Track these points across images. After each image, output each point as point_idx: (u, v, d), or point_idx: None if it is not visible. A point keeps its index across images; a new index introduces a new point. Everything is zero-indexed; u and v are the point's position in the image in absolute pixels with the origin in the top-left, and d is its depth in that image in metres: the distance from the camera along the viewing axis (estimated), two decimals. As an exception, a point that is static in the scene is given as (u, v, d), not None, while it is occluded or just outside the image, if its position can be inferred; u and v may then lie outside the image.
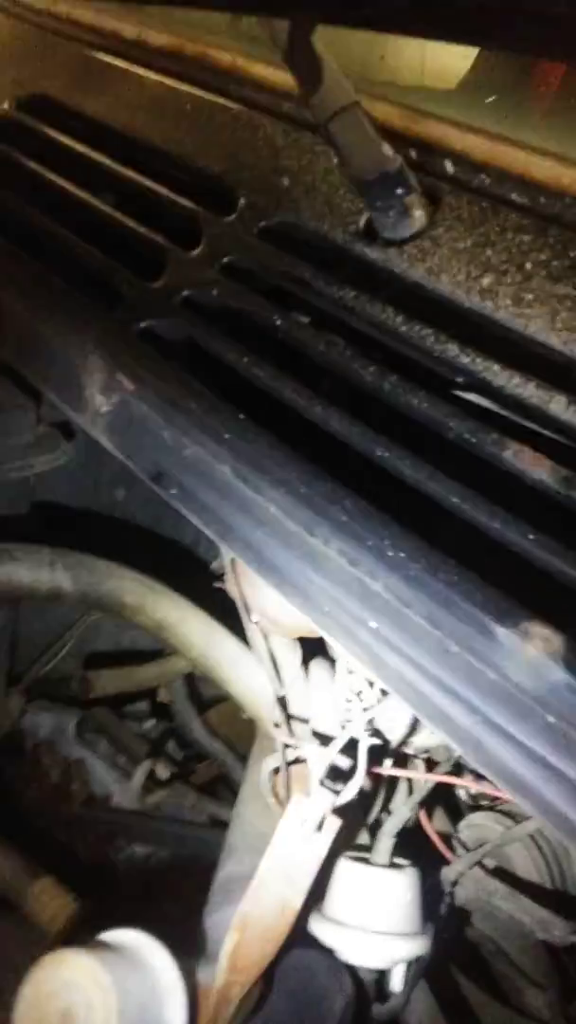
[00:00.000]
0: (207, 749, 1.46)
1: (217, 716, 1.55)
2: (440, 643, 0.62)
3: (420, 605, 0.63)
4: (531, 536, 0.63)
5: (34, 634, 1.41)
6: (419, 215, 0.81)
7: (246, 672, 1.07)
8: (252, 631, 1.05)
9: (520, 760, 0.59)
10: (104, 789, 1.43)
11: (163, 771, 1.24)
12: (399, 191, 0.78)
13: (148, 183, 0.97)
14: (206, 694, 1.55)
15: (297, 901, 0.70)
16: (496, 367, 0.73)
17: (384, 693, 0.93)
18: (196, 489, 0.76)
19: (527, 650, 0.59)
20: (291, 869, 0.70)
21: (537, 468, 0.67)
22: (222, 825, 1.23)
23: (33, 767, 1.49)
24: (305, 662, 1.11)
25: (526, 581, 0.63)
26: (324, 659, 1.14)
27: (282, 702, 0.99)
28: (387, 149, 0.74)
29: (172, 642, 1.08)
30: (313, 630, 1.07)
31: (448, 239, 0.80)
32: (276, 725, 0.94)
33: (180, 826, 1.25)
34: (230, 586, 1.08)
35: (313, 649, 1.14)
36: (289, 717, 0.97)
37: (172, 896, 1.10)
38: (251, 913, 0.70)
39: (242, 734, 1.58)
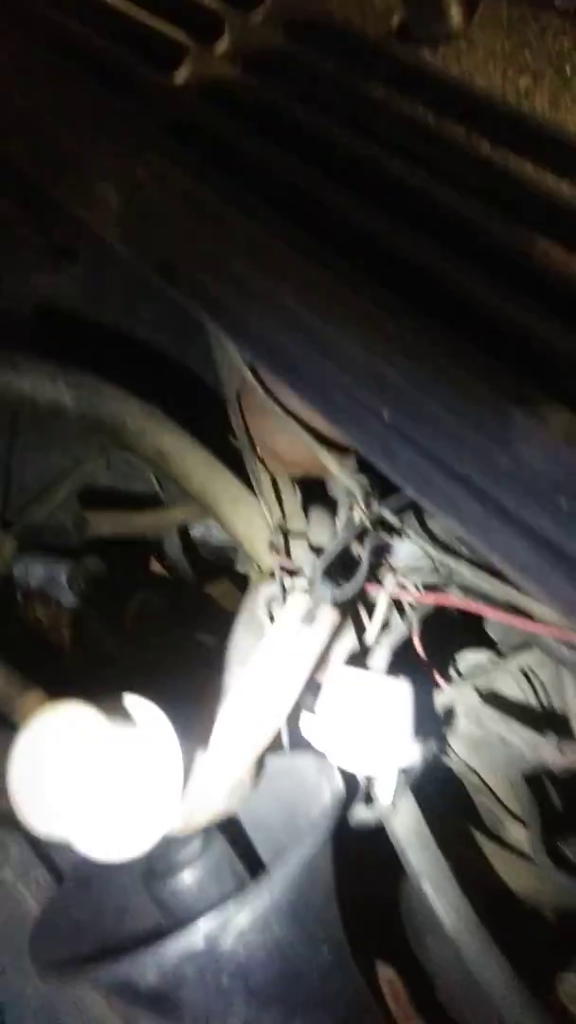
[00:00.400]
0: (201, 606, 1.47)
1: (217, 590, 1.56)
2: (457, 430, 0.62)
3: (438, 391, 0.62)
4: (556, 327, 0.62)
5: (28, 481, 1.40)
6: (456, 14, 0.77)
7: (246, 507, 1.07)
8: (255, 465, 1.04)
9: (531, 547, 0.59)
10: (95, 637, 1.45)
11: (155, 607, 1.24)
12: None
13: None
14: (202, 560, 1.56)
15: (291, 691, 0.71)
16: (529, 167, 0.70)
17: (388, 528, 0.93)
18: (209, 283, 0.75)
19: (545, 434, 0.58)
20: (290, 657, 0.71)
21: (567, 266, 0.65)
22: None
23: (25, 614, 1.50)
24: (306, 506, 1.12)
25: (547, 371, 0.62)
26: (324, 501, 1.14)
27: (281, 528, 0.99)
28: None
29: (172, 472, 1.08)
30: (316, 467, 1.08)
31: (485, 40, 0.77)
32: (274, 549, 0.94)
33: (170, 663, 1.27)
34: (234, 420, 1.07)
35: (315, 495, 1.15)
36: (287, 543, 0.98)
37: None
38: (249, 695, 0.70)
39: (235, 608, 1.60)
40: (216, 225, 0.73)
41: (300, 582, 0.89)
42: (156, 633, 1.28)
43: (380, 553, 0.83)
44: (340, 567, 0.84)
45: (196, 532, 1.56)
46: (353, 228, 0.70)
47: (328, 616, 0.70)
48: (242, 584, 1.63)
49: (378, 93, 0.77)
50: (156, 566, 1.57)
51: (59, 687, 1.27)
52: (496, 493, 0.60)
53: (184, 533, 1.52)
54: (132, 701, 0.65)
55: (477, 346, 0.63)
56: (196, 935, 0.65)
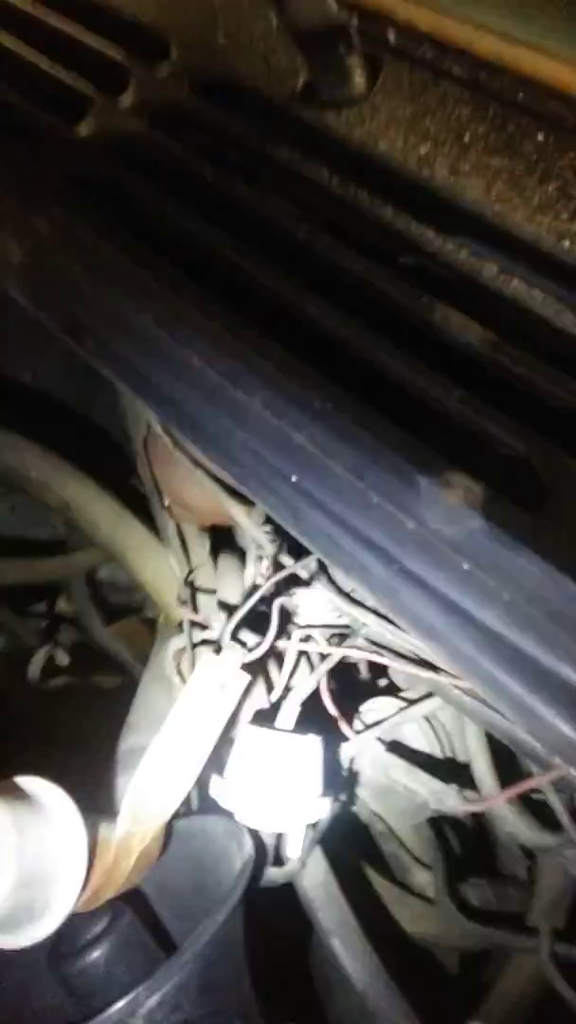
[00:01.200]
0: (108, 650, 1.45)
1: (119, 630, 1.53)
2: (362, 494, 0.62)
3: (344, 457, 0.63)
4: (457, 395, 0.63)
5: None
6: (360, 79, 0.79)
7: (153, 556, 1.06)
8: (161, 514, 1.03)
9: (434, 608, 0.60)
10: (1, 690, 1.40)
11: (62, 658, 1.21)
12: (342, 49, 0.76)
13: (72, 28, 0.91)
14: (109, 602, 1.53)
15: (201, 756, 0.70)
16: (430, 233, 0.72)
17: (295, 580, 0.93)
18: (114, 342, 0.74)
19: (448, 499, 0.59)
20: (197, 724, 0.69)
21: (465, 332, 0.67)
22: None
23: None
24: (214, 554, 1.11)
25: (450, 438, 0.63)
26: (232, 550, 1.13)
27: (189, 582, 0.98)
28: (332, 3, 0.71)
29: (79, 521, 1.06)
30: (223, 516, 1.07)
31: (388, 106, 0.78)
32: (182, 602, 0.93)
33: (79, 715, 1.23)
34: (141, 468, 1.06)
35: (222, 542, 1.14)
36: (195, 596, 0.96)
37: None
38: (154, 765, 0.69)
39: (143, 652, 1.57)
40: (120, 282, 0.72)
41: (209, 642, 0.88)
42: (64, 685, 1.25)
43: (288, 608, 0.83)
44: (248, 621, 0.84)
45: (103, 574, 1.53)
46: (258, 289, 0.70)
47: (238, 680, 0.69)
48: (151, 625, 1.61)
49: (282, 154, 0.78)
50: (64, 608, 1.54)
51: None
52: (401, 556, 0.61)
53: (91, 577, 1.49)
54: (30, 782, 0.63)
55: (383, 411, 0.64)
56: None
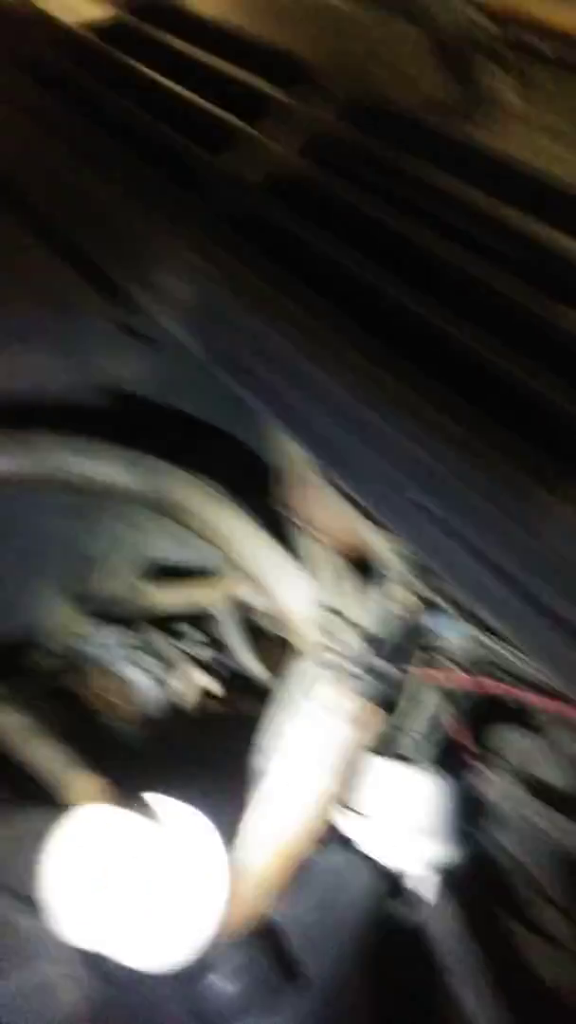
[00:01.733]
0: (254, 675, 1.46)
1: (262, 655, 1.55)
2: (499, 521, 0.60)
3: (478, 481, 0.61)
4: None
5: (90, 552, 1.42)
6: (512, 93, 0.78)
7: (293, 583, 1.06)
8: (298, 536, 1.04)
9: (563, 637, 0.57)
10: (153, 708, 1.44)
11: (214, 688, 1.23)
12: (490, 65, 0.75)
13: (216, 60, 0.94)
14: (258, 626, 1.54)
15: (333, 790, 0.69)
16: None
17: (430, 605, 0.91)
18: (274, 382, 0.75)
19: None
20: (330, 756, 0.69)
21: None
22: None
23: (84, 686, 1.50)
24: (349, 578, 1.10)
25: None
26: (368, 576, 1.12)
27: (323, 606, 0.98)
28: (479, 17, 0.71)
29: (224, 551, 1.08)
30: (360, 541, 1.07)
31: (542, 118, 0.77)
32: (316, 626, 0.93)
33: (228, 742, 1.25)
34: (280, 490, 1.07)
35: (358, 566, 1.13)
36: (330, 621, 0.96)
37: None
38: (285, 794, 0.69)
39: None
40: (284, 325, 0.74)
41: (344, 673, 0.87)
42: (212, 711, 1.27)
43: (426, 641, 0.81)
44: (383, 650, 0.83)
45: (250, 600, 1.55)
46: (410, 320, 0.70)
47: (373, 715, 0.68)
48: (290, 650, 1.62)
49: (436, 177, 0.77)
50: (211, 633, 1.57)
51: (114, 762, 1.28)
52: (530, 582, 0.58)
53: (238, 602, 1.51)
54: (176, 807, 0.64)
55: (517, 432, 0.62)
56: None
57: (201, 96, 0.90)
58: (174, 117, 0.92)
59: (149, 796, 0.67)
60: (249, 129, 0.86)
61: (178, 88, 0.92)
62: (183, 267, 0.82)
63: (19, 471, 0.95)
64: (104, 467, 1.00)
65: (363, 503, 0.72)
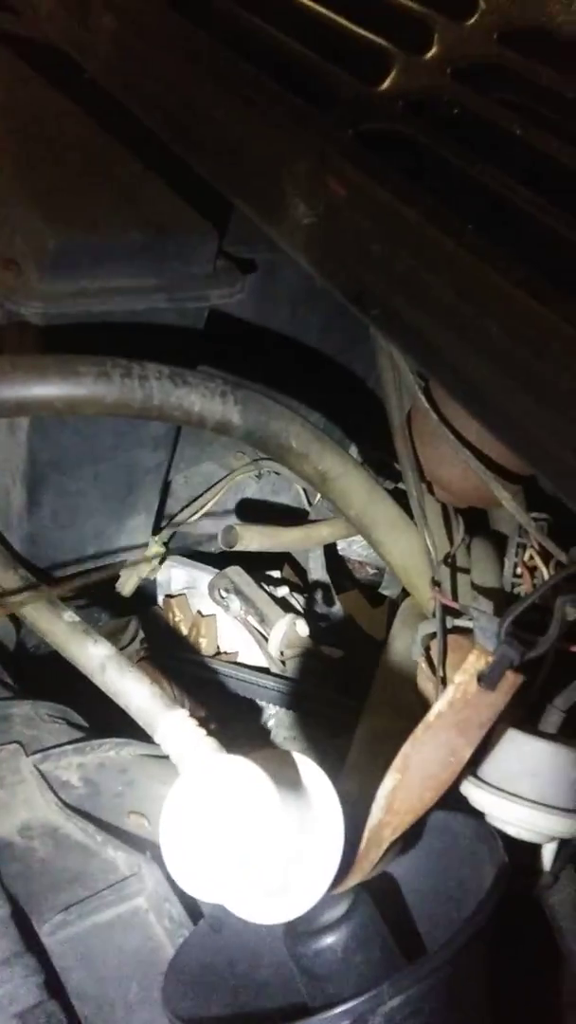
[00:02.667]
0: (340, 621, 1.44)
1: (347, 602, 1.52)
2: None
3: None
4: None
5: (178, 488, 1.39)
6: None
7: (404, 536, 1.02)
8: (418, 491, 0.99)
9: None
10: (232, 646, 1.43)
11: (303, 629, 1.21)
12: None
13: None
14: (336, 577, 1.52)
15: (466, 753, 0.66)
16: None
17: (558, 569, 0.86)
18: (404, 309, 0.70)
19: None
20: (464, 719, 0.65)
21: None
22: (352, 695, 1.20)
23: (165, 617, 1.49)
24: (469, 537, 1.06)
25: None
26: (487, 535, 1.08)
27: (446, 565, 0.94)
28: None
29: (331, 496, 1.04)
30: (485, 499, 1.02)
31: None
32: (435, 584, 0.89)
33: (310, 688, 1.23)
34: (401, 443, 1.02)
35: (476, 524, 1.09)
36: (451, 580, 0.92)
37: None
38: (415, 756, 0.66)
39: (365, 626, 1.55)
40: (416, 246, 0.68)
41: (462, 629, 0.83)
42: (298, 654, 1.25)
43: (566, 609, 0.77)
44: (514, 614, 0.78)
45: (340, 547, 1.53)
46: (570, 254, 0.64)
47: (510, 681, 0.64)
48: (378, 600, 1.59)
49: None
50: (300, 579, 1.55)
51: (197, 697, 1.27)
52: None
53: (330, 551, 1.49)
54: (291, 758, 0.61)
55: None
56: (344, 1020, 0.61)
57: (355, 22, 0.83)
58: (320, 40, 0.85)
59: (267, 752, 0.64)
60: (394, 49, 0.79)
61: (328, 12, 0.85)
62: (305, 184, 0.77)
63: (122, 400, 0.92)
64: (208, 401, 0.96)
65: (506, 446, 0.66)
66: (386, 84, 0.79)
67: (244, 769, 0.57)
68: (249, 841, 0.55)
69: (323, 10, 0.88)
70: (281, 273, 1.17)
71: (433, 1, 0.84)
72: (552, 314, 0.60)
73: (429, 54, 0.79)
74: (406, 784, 0.66)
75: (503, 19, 0.80)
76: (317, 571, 1.44)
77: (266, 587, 1.42)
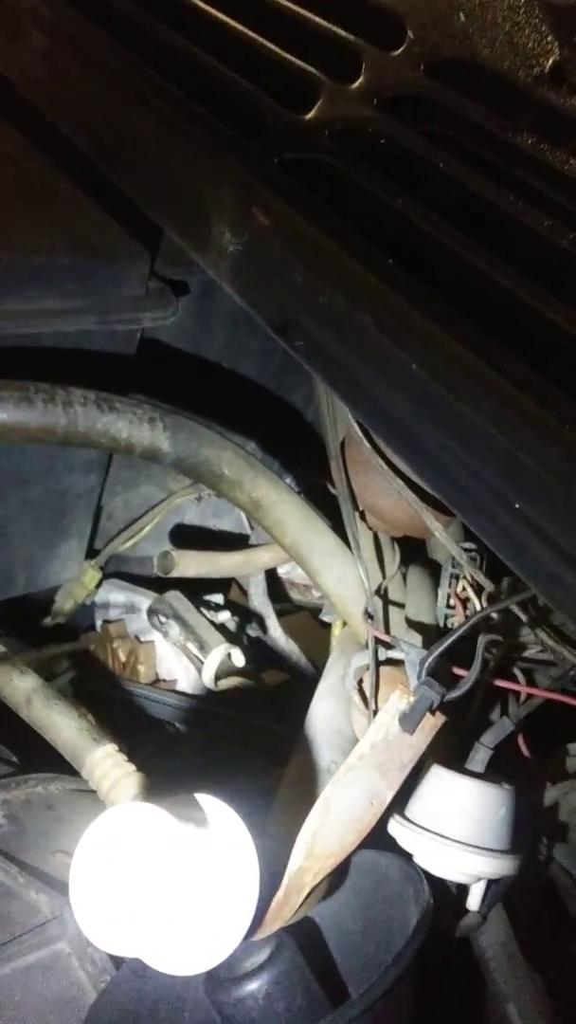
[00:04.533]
0: (281, 648, 1.42)
1: (289, 625, 1.51)
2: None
3: (562, 469, 0.55)
4: None
5: (116, 510, 1.37)
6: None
7: (340, 565, 1.01)
8: (352, 520, 0.98)
9: None
10: (170, 673, 1.40)
11: (238, 659, 1.19)
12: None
13: (304, 12, 0.87)
14: (282, 600, 1.50)
15: (387, 795, 0.64)
16: None
17: (490, 601, 0.86)
18: (327, 341, 0.69)
19: None
20: (385, 761, 0.64)
21: None
22: (288, 723, 1.19)
23: (102, 643, 1.46)
24: (403, 566, 1.05)
25: None
26: (423, 564, 1.07)
27: (378, 597, 0.93)
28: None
29: (265, 524, 1.02)
30: (418, 529, 1.01)
31: None
32: (369, 616, 0.88)
33: (246, 716, 1.21)
34: (335, 472, 1.01)
35: (412, 552, 1.08)
36: (383, 611, 0.91)
37: (235, 782, 1.06)
38: (336, 799, 0.64)
39: (311, 646, 1.54)
40: (336, 278, 0.67)
41: (394, 661, 0.82)
42: (234, 685, 1.23)
43: (492, 642, 0.76)
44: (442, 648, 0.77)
45: (281, 571, 1.51)
46: (491, 291, 0.63)
47: (431, 723, 0.63)
48: (323, 624, 1.58)
49: (525, 142, 0.71)
50: (238, 600, 1.53)
51: (131, 728, 1.24)
52: None
53: (269, 573, 1.47)
54: (204, 801, 0.59)
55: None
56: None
57: (282, 48, 0.82)
58: (246, 65, 0.84)
59: (179, 792, 0.62)
60: (322, 76, 0.79)
61: (256, 37, 0.84)
62: (230, 212, 0.75)
63: (45, 426, 0.89)
64: (135, 428, 0.95)
65: (426, 485, 0.66)
66: (313, 113, 0.78)
67: (155, 819, 0.55)
68: (157, 894, 0.53)
69: (253, 35, 0.87)
70: (217, 295, 1.15)
71: (362, 30, 0.83)
72: (470, 352, 0.59)
73: (356, 83, 0.79)
74: (327, 828, 0.64)
75: (431, 50, 0.80)
76: (257, 596, 1.42)
77: (207, 612, 1.40)
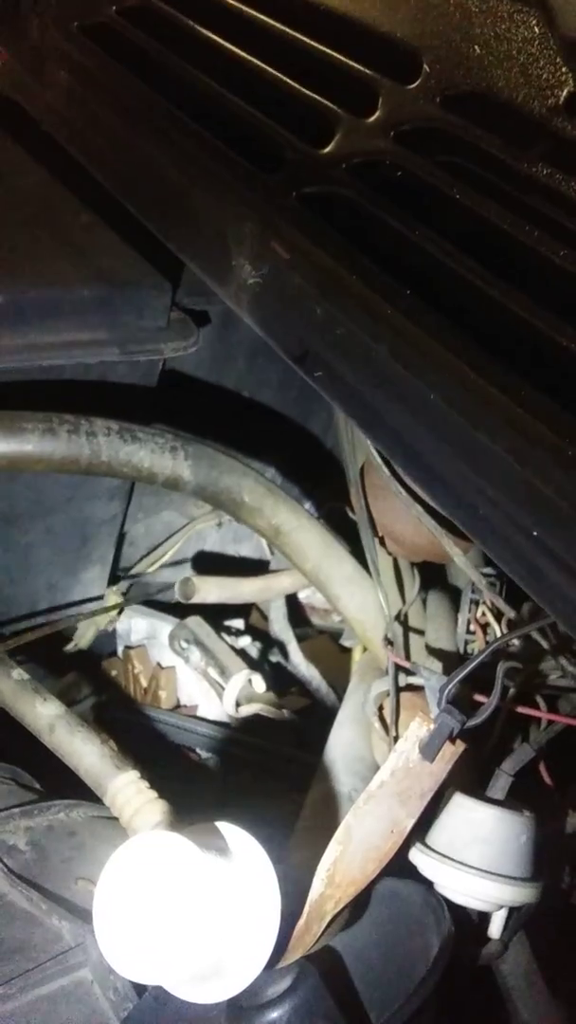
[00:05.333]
0: (302, 674, 1.42)
1: (309, 650, 1.51)
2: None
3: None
4: None
5: (137, 537, 1.38)
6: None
7: (360, 591, 1.02)
8: (372, 546, 0.99)
9: None
10: (191, 699, 1.41)
11: (259, 685, 1.19)
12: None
13: (321, 47, 0.88)
14: (302, 625, 1.51)
15: (407, 823, 0.64)
16: None
17: (510, 627, 0.86)
18: (345, 372, 0.70)
19: None
20: (405, 789, 0.64)
21: None
22: (309, 749, 1.19)
23: (124, 669, 1.47)
24: (424, 592, 1.05)
25: None
26: (443, 589, 1.07)
27: (398, 623, 0.93)
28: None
29: (286, 551, 1.03)
30: (438, 554, 1.01)
31: None
32: (389, 643, 0.88)
33: (266, 743, 1.21)
34: (355, 498, 1.02)
35: (432, 577, 1.08)
36: (403, 637, 0.91)
37: (255, 809, 1.06)
38: (357, 827, 0.64)
39: (331, 670, 1.54)
40: (355, 310, 0.68)
41: (414, 687, 0.82)
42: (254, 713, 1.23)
43: (512, 669, 0.76)
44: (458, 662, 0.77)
45: (302, 596, 1.52)
46: (509, 322, 0.64)
47: (450, 751, 0.63)
48: (344, 649, 1.58)
49: (541, 173, 0.72)
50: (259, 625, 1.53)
51: (153, 755, 1.24)
52: None
53: (290, 599, 1.47)
54: (227, 829, 0.60)
55: None
56: None
57: (300, 83, 0.84)
58: (265, 100, 0.85)
59: (200, 819, 0.63)
60: (339, 111, 0.80)
61: (273, 72, 0.86)
62: (250, 245, 0.77)
63: (69, 457, 0.91)
64: (157, 457, 0.96)
65: (444, 512, 0.66)
66: (330, 147, 0.79)
67: (177, 847, 0.55)
68: (180, 922, 0.53)
69: (271, 71, 0.89)
70: (238, 325, 1.17)
71: (378, 64, 0.85)
72: (487, 381, 0.60)
73: (373, 117, 0.80)
74: (348, 856, 0.64)
75: (447, 83, 0.81)
76: (278, 622, 1.42)
77: (228, 638, 1.41)
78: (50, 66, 1.05)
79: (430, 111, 0.79)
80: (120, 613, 1.42)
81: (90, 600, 1.27)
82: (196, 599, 1.25)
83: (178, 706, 1.40)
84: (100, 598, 1.30)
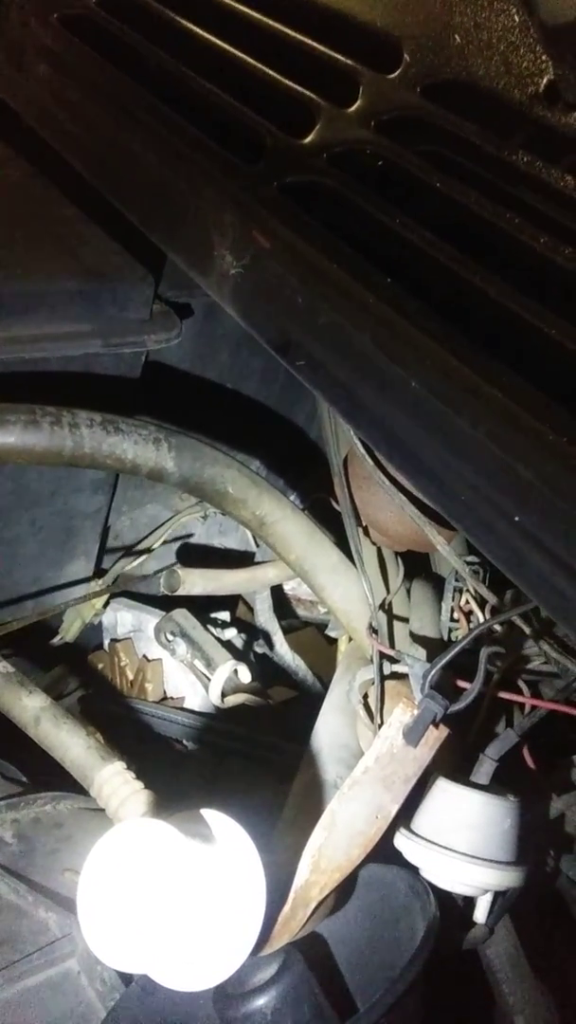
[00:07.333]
0: (287, 665, 1.42)
1: (295, 641, 1.51)
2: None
3: (566, 485, 0.56)
4: None
5: (122, 530, 1.38)
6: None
7: (344, 580, 1.02)
8: (356, 536, 0.99)
9: None
10: (178, 690, 1.41)
11: (245, 675, 1.19)
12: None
13: (301, 37, 0.88)
14: (288, 616, 1.51)
15: (392, 808, 0.65)
16: None
17: (493, 614, 0.87)
18: (327, 361, 0.70)
19: None
20: (390, 775, 0.64)
21: None
22: (295, 739, 1.19)
23: (110, 662, 1.47)
24: (407, 581, 1.06)
25: None
26: (427, 578, 1.08)
27: (383, 611, 0.93)
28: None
29: (270, 541, 1.03)
30: (421, 543, 1.02)
31: None
32: (373, 631, 0.89)
33: (253, 733, 1.21)
34: (339, 487, 1.02)
35: (416, 566, 1.09)
36: (387, 626, 0.92)
37: (242, 798, 1.07)
38: (341, 813, 0.65)
39: (317, 661, 1.54)
40: (336, 299, 0.68)
41: (399, 675, 0.83)
42: (240, 703, 1.23)
43: (493, 655, 0.76)
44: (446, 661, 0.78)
45: (287, 587, 1.52)
46: (490, 309, 0.64)
47: (434, 736, 0.64)
48: (330, 640, 1.58)
49: (520, 160, 0.72)
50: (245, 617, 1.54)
51: (139, 746, 1.24)
52: None
53: (275, 590, 1.48)
54: (212, 817, 0.60)
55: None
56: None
57: (281, 73, 0.84)
58: (246, 90, 0.85)
59: (186, 808, 0.63)
60: (319, 100, 0.80)
61: (254, 63, 0.86)
62: (231, 236, 0.77)
63: (52, 449, 0.91)
64: (141, 448, 0.96)
65: (427, 499, 0.67)
66: (311, 137, 0.79)
67: (161, 835, 0.55)
68: (165, 910, 0.53)
69: (251, 60, 0.89)
70: (221, 317, 1.17)
71: (359, 54, 0.85)
72: (467, 368, 0.60)
73: (353, 107, 0.80)
74: (333, 842, 0.65)
75: (427, 72, 0.81)
76: (264, 613, 1.42)
77: (214, 630, 1.41)
78: (30, 58, 1.05)
79: (411, 100, 0.79)
80: (106, 606, 1.41)
81: (76, 593, 1.27)
82: (182, 591, 1.24)
83: (165, 698, 1.40)
84: (85, 591, 1.30)
